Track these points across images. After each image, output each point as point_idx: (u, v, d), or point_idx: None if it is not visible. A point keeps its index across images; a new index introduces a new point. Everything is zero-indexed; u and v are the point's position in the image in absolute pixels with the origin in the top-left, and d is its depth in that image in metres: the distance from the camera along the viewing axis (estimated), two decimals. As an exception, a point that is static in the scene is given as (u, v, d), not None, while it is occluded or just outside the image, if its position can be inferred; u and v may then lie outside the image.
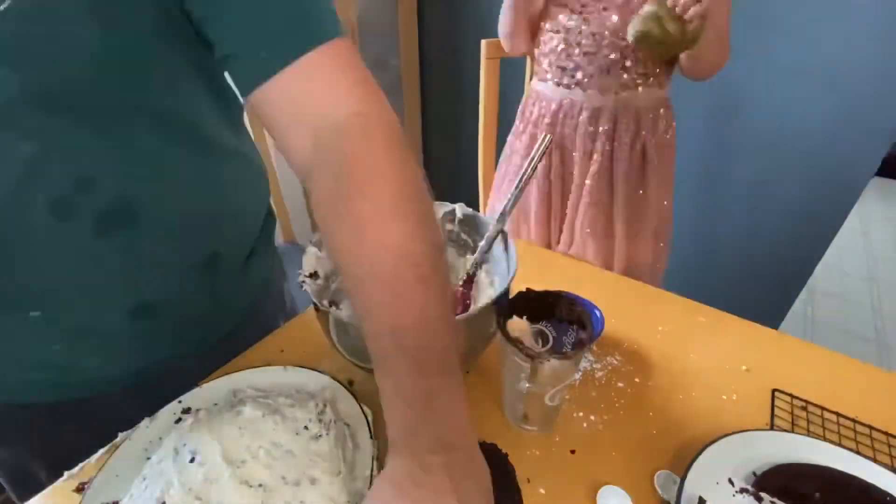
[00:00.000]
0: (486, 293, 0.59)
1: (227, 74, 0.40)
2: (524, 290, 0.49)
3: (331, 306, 0.51)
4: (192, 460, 0.39)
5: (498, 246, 0.59)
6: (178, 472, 0.39)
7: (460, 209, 0.61)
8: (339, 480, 0.40)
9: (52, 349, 0.45)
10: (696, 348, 0.60)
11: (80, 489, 0.42)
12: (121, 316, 0.46)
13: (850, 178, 1.20)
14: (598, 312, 0.59)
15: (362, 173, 0.34)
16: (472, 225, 0.61)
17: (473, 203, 1.05)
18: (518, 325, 0.47)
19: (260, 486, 0.38)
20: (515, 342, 0.43)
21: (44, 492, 0.45)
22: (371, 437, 0.45)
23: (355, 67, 0.38)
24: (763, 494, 0.41)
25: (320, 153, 0.36)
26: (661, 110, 0.86)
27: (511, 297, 0.48)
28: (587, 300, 0.60)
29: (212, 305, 0.54)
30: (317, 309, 0.48)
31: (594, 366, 0.57)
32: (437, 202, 0.61)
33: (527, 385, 0.44)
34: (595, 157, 0.88)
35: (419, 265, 0.32)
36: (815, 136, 1.20)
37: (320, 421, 0.43)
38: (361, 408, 0.48)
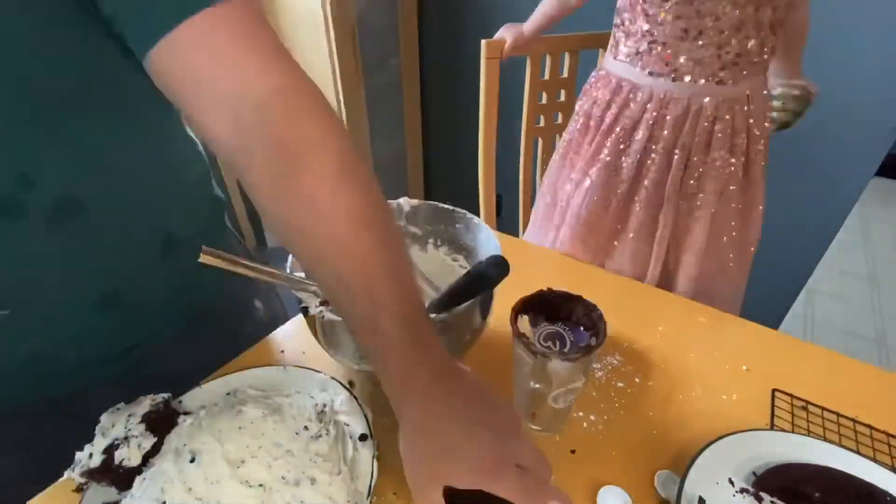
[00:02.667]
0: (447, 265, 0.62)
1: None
2: (545, 289, 0.49)
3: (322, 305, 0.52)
4: (192, 460, 0.39)
5: (481, 236, 0.60)
6: (178, 472, 0.39)
7: (406, 203, 0.63)
8: (338, 480, 0.40)
9: (31, 344, 0.45)
10: (696, 348, 0.60)
11: (80, 489, 0.42)
12: (88, 307, 0.46)
13: (850, 178, 1.20)
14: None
15: (297, 146, 0.33)
16: (422, 216, 0.63)
17: (473, 203, 1.04)
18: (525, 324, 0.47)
19: (260, 486, 0.38)
20: (522, 337, 0.43)
21: (44, 492, 0.45)
22: (371, 437, 0.45)
23: (262, 30, 0.36)
24: (763, 494, 0.41)
25: (245, 133, 0.34)
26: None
27: (529, 294, 0.48)
28: (590, 302, 0.60)
29: (179, 288, 0.54)
30: (305, 313, 0.48)
31: (594, 365, 0.57)
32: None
33: (532, 383, 0.45)
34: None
35: (374, 229, 0.33)
36: (816, 136, 1.20)
37: (320, 421, 0.43)
38: (361, 408, 0.48)
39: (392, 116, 1.86)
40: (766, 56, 0.73)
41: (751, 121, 0.76)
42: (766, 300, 1.43)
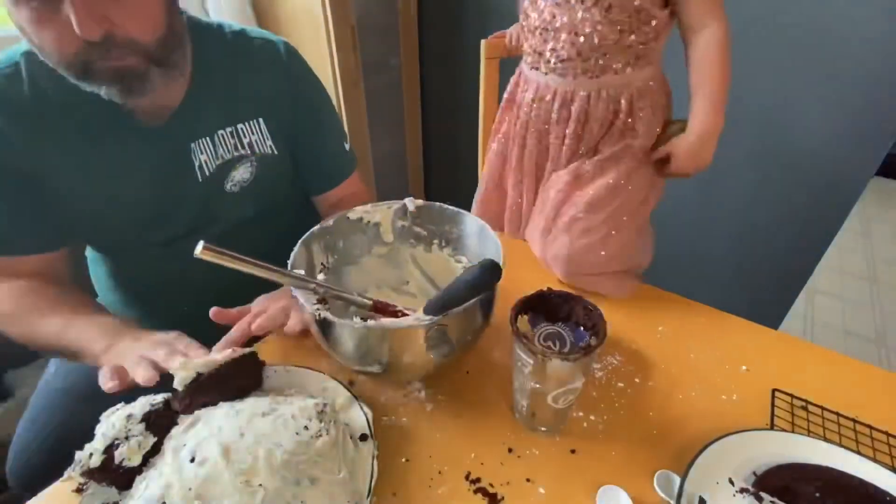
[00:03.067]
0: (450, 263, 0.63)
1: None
2: (545, 289, 0.49)
3: (319, 303, 0.52)
4: (192, 460, 0.39)
5: (475, 237, 0.61)
6: (178, 471, 0.39)
7: (411, 203, 0.63)
8: (339, 480, 0.40)
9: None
10: (696, 348, 0.60)
11: (80, 489, 0.42)
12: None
13: (850, 178, 1.20)
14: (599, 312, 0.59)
15: None
16: (426, 216, 0.64)
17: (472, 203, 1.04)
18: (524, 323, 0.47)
19: (260, 485, 0.37)
20: (522, 337, 0.43)
21: (44, 492, 0.45)
22: (371, 437, 0.45)
23: (369, 185, 0.77)
24: (763, 494, 0.41)
25: None
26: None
27: (529, 294, 0.48)
28: (590, 302, 0.60)
29: None
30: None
31: (594, 365, 0.57)
32: (390, 201, 0.64)
33: (531, 383, 0.44)
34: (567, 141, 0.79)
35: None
36: (815, 136, 1.20)
37: (320, 421, 0.43)
38: (361, 408, 0.48)
39: (392, 116, 1.86)
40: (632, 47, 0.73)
41: (623, 105, 0.76)
42: (766, 300, 1.43)
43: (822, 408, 0.51)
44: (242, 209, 0.71)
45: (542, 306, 0.48)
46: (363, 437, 0.46)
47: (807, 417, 0.50)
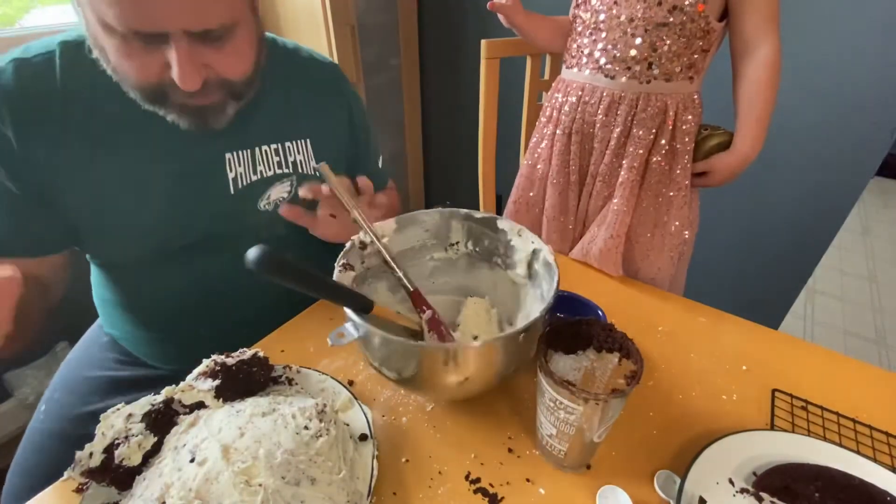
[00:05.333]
0: (531, 307, 0.56)
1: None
2: (557, 321, 0.46)
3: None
4: (191, 460, 0.39)
5: (529, 248, 0.55)
6: (178, 471, 0.39)
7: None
8: (338, 480, 0.40)
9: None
10: (696, 348, 0.60)
11: (80, 489, 0.42)
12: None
13: (850, 178, 1.20)
14: (601, 313, 0.59)
15: None
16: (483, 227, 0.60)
17: (474, 203, 1.04)
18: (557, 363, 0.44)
19: (259, 485, 0.37)
20: (567, 385, 0.39)
21: (44, 491, 0.45)
22: (371, 438, 0.45)
23: (394, 191, 0.87)
24: (763, 494, 0.41)
25: None
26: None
27: (546, 330, 0.45)
28: (591, 302, 0.60)
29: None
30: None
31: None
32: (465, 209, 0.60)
33: (577, 426, 0.41)
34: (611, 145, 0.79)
35: None
36: (816, 136, 1.20)
37: (320, 421, 0.43)
38: (361, 408, 0.48)
39: (392, 116, 1.86)
40: (686, 60, 0.73)
41: (671, 115, 0.75)
42: (766, 300, 1.43)
43: (822, 408, 0.51)
44: (273, 228, 0.66)
45: (559, 341, 0.45)
46: (363, 437, 0.46)
47: (807, 417, 0.50)
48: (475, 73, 1.04)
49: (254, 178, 0.63)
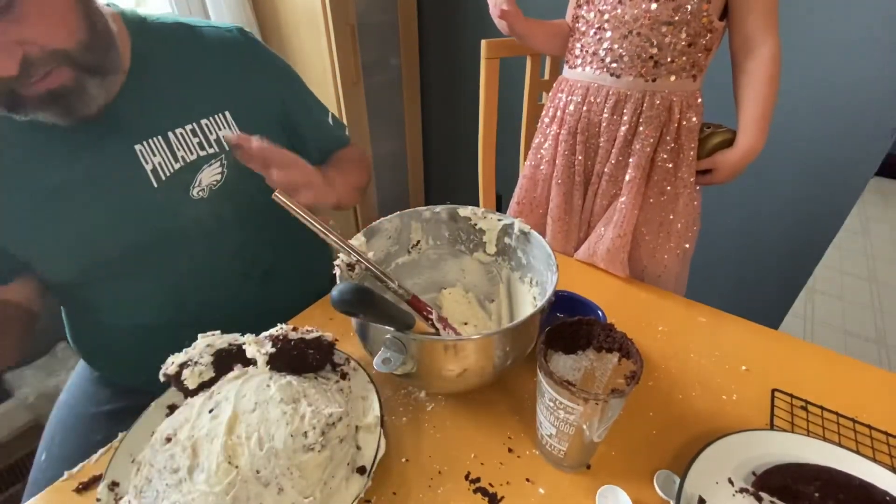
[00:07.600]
0: (527, 301, 0.58)
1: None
2: (557, 321, 0.45)
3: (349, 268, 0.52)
4: (210, 410, 0.41)
5: (536, 249, 0.56)
6: (197, 415, 0.41)
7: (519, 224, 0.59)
8: (305, 503, 0.38)
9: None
10: (696, 348, 0.60)
11: (80, 489, 0.43)
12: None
13: (850, 178, 1.20)
14: (601, 313, 0.59)
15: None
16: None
17: (473, 203, 1.04)
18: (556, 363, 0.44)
19: (236, 468, 0.37)
20: (567, 385, 0.39)
21: (44, 491, 0.45)
22: (368, 477, 0.42)
23: (365, 154, 0.85)
24: (763, 494, 0.41)
25: None
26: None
27: (547, 330, 0.45)
28: (591, 302, 0.60)
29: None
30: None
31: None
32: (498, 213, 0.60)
33: (576, 426, 0.41)
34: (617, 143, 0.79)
35: None
36: (816, 136, 1.20)
37: (322, 434, 0.41)
38: (379, 441, 0.45)
39: (392, 116, 1.86)
40: (689, 57, 0.73)
41: (676, 115, 0.76)
42: (766, 300, 1.43)
43: (822, 408, 0.51)
44: (216, 215, 0.62)
45: (559, 341, 0.45)
46: (361, 470, 0.43)
47: (806, 417, 0.50)
48: (475, 73, 1.04)
49: (176, 165, 0.58)
